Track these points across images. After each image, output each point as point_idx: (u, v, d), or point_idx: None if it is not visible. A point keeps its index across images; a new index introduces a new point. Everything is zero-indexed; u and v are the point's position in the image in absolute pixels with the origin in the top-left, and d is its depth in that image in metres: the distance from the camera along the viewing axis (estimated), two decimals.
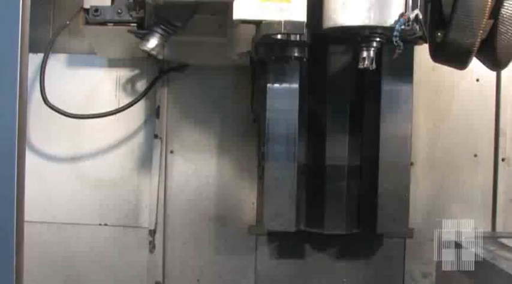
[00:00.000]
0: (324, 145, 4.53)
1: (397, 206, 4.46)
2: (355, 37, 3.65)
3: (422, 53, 4.31)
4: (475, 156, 4.99)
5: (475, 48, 3.66)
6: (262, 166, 4.72)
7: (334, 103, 4.53)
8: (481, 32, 3.60)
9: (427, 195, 4.99)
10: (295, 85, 4.37)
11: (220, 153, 5.01)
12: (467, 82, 4.96)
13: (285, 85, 4.36)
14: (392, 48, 3.47)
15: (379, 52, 3.79)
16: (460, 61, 3.84)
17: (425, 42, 3.92)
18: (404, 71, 4.44)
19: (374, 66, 3.67)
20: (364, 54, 3.64)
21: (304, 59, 3.94)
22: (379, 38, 3.61)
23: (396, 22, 3.38)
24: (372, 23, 3.43)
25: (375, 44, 3.63)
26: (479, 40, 3.62)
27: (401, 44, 3.41)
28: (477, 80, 4.96)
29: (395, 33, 3.37)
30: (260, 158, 4.90)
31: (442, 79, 4.96)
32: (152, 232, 4.98)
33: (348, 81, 4.53)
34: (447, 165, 5.00)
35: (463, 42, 3.65)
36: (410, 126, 4.47)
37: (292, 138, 4.40)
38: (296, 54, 3.87)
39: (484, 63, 3.98)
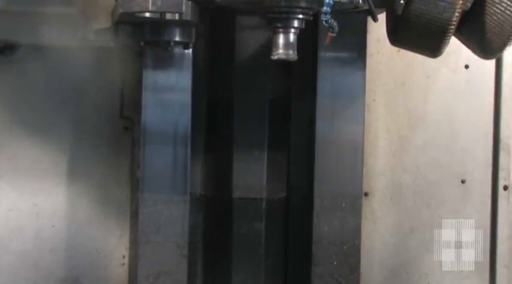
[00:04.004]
0: (230, 167, 4.57)
1: (342, 260, 4.47)
2: (266, 13, 3.63)
3: (382, 26, 4.21)
4: (463, 182, 5.01)
5: (453, 27, 3.61)
6: (138, 200, 4.64)
7: (246, 104, 4.57)
8: (462, 2, 3.54)
9: (389, 240, 5.01)
10: (186, 77, 4.38)
11: (72, 179, 4.94)
12: (451, 70, 4.97)
13: (170, 76, 4.39)
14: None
15: (313, 27, 3.88)
16: (430, 45, 3.81)
17: (375, 20, 3.85)
18: (353, 53, 4.47)
19: (295, 56, 3.66)
20: (280, 39, 3.62)
21: (191, 45, 3.98)
22: (303, 14, 3.60)
23: None
24: None
25: (296, 24, 3.62)
26: (457, 14, 3.57)
27: (334, 24, 3.42)
28: (466, 67, 4.97)
29: (325, 8, 3.34)
30: (135, 186, 4.86)
31: (412, 65, 4.96)
32: None
33: (266, 70, 4.54)
34: (420, 196, 5.01)
35: (434, 17, 3.60)
36: (362, 137, 4.49)
37: (182, 157, 4.45)
38: (177, 39, 3.92)
39: (468, 46, 3.95)
